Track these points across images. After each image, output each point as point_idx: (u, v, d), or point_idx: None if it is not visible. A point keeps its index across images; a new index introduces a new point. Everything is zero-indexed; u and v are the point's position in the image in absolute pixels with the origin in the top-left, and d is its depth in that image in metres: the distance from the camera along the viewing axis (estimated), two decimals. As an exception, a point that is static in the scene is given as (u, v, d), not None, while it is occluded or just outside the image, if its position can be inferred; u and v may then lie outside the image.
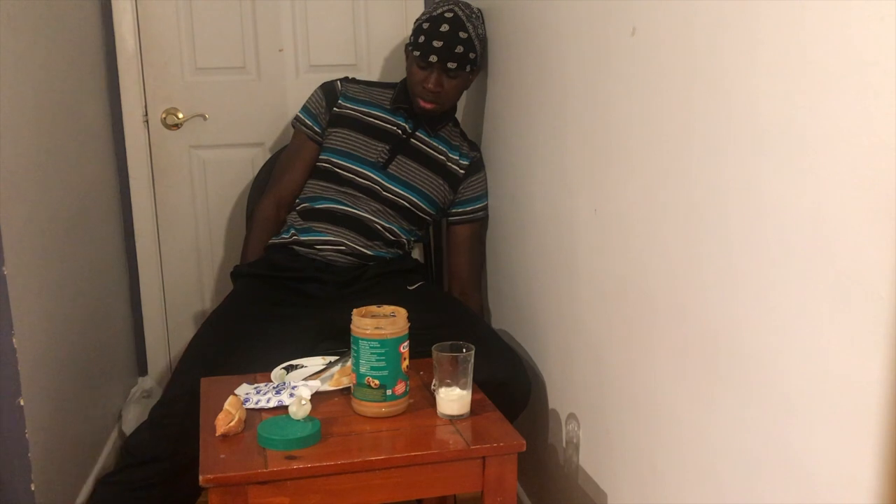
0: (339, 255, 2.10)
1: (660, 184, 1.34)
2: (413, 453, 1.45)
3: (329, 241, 2.11)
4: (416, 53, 2.10)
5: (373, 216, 2.14)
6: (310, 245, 2.12)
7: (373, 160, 2.16)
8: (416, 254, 2.57)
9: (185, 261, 2.73)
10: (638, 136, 1.41)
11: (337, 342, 1.87)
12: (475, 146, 2.32)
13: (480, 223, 2.32)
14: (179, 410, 1.72)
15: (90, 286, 2.26)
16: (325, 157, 2.19)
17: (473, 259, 2.32)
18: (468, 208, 2.27)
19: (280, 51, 2.65)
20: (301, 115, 2.28)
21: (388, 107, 2.23)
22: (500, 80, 2.17)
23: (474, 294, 2.31)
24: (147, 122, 2.62)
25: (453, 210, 2.27)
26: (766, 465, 1.10)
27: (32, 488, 1.53)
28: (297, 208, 2.20)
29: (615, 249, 1.53)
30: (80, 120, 2.26)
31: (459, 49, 2.08)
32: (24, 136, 1.79)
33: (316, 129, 2.25)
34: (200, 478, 1.35)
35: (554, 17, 1.76)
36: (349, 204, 2.14)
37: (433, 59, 2.08)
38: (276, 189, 2.27)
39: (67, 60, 2.17)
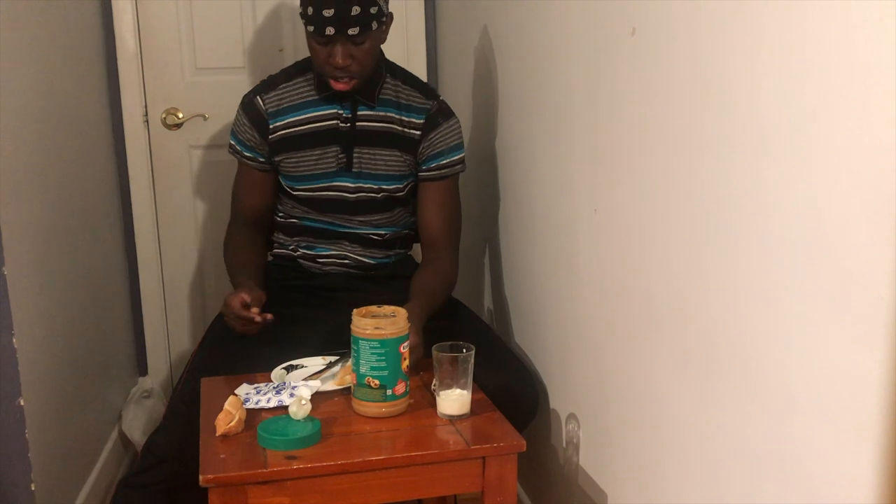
0: (344, 267, 2.05)
1: (660, 184, 1.34)
2: (413, 453, 1.45)
3: (332, 254, 2.04)
4: (310, 29, 1.83)
5: (359, 227, 2.04)
6: (312, 259, 2.05)
7: (333, 169, 1.98)
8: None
9: (185, 261, 2.73)
10: (638, 136, 1.41)
11: (347, 347, 1.83)
12: (430, 92, 2.04)
13: (450, 179, 2.04)
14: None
15: (90, 286, 2.26)
16: (289, 185, 2.02)
17: (446, 215, 2.04)
18: (431, 165, 2.01)
19: (280, 51, 2.65)
20: (238, 148, 2.03)
21: (316, 96, 1.98)
22: (500, 80, 2.17)
23: (447, 253, 2.03)
24: (147, 122, 2.62)
25: (420, 168, 2.03)
26: (766, 465, 1.10)
27: (32, 488, 1.53)
28: (283, 224, 2.08)
29: (615, 249, 1.53)
30: (80, 120, 2.26)
31: (356, 10, 1.79)
32: (24, 136, 1.79)
33: (260, 159, 2.02)
34: (200, 478, 1.35)
35: (554, 17, 1.76)
36: (330, 223, 2.03)
37: (330, 31, 1.80)
38: (239, 217, 2.08)
39: (67, 60, 2.17)
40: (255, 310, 1.75)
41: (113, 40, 2.54)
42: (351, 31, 1.80)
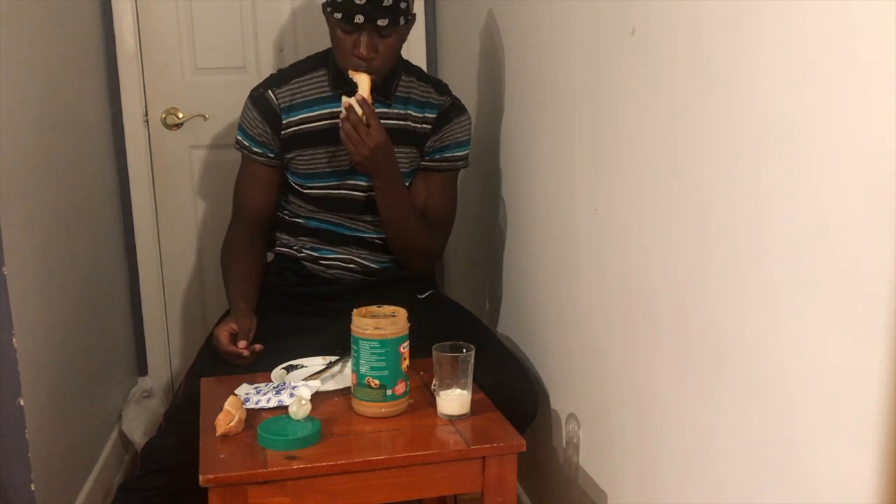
0: (348, 272, 2.03)
1: (660, 183, 1.34)
2: (413, 453, 1.45)
3: (338, 258, 2.02)
4: (338, 16, 1.80)
5: (366, 229, 2.03)
6: (315, 261, 2.03)
7: (346, 167, 1.95)
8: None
9: (185, 261, 2.73)
10: (638, 136, 1.41)
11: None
12: (444, 88, 2.05)
13: (450, 173, 2.06)
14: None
15: (90, 286, 2.26)
16: (298, 182, 1.99)
17: (438, 204, 2.04)
18: (435, 157, 2.02)
19: (280, 51, 2.65)
20: (246, 143, 2.00)
21: (330, 93, 1.96)
22: (501, 81, 2.17)
23: (434, 232, 2.03)
24: (147, 122, 2.62)
25: (423, 157, 2.03)
26: (766, 465, 1.10)
27: (32, 488, 1.53)
28: (287, 223, 2.05)
29: (615, 249, 1.53)
30: (80, 120, 2.26)
31: (388, 1, 1.79)
32: (24, 136, 1.79)
33: (270, 155, 1.99)
34: (200, 478, 1.35)
35: (554, 17, 1.76)
36: (338, 224, 2.01)
37: (359, 19, 1.78)
38: (241, 218, 2.04)
39: (67, 60, 2.17)
40: (242, 343, 1.76)
41: (113, 40, 2.54)
42: (380, 22, 1.79)
